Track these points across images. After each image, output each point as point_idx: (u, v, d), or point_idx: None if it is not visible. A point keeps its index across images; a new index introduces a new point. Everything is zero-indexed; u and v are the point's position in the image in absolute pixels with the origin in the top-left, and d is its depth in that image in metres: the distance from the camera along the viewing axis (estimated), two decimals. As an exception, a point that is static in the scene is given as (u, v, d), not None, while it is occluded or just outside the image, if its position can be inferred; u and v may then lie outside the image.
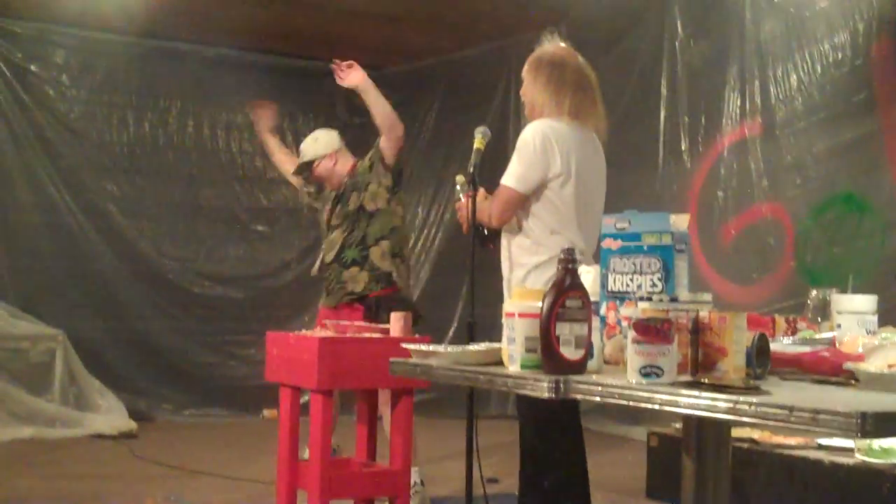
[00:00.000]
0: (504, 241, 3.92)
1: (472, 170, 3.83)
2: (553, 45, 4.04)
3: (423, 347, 2.51)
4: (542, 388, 2.00)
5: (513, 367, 2.19)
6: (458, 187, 4.05)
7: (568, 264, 2.14)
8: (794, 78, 6.75)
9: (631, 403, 1.78)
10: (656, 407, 1.73)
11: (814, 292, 2.60)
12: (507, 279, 3.91)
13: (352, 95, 9.73)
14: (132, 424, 7.77)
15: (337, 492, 3.88)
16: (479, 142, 3.93)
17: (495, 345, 2.47)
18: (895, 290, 5.16)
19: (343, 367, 3.81)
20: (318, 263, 5.67)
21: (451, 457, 5.61)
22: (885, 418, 1.43)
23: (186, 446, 7.32)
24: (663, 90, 7.79)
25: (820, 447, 4.74)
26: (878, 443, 4.14)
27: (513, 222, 3.86)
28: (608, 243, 2.55)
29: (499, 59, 9.21)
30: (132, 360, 8.75)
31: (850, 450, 4.49)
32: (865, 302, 2.40)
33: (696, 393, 1.68)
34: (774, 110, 6.89)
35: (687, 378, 1.86)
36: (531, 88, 3.92)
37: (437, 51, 9.57)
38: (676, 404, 1.68)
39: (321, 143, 5.71)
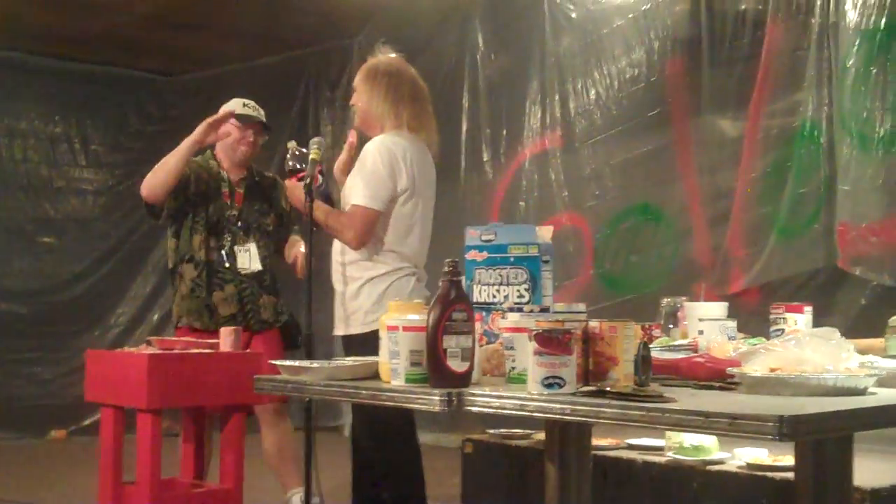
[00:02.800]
0: (337, 256, 3.87)
1: (308, 181, 3.76)
2: (386, 56, 4.02)
3: (294, 363, 2.45)
4: (433, 401, 1.99)
5: (396, 381, 2.17)
6: (290, 155, 3.98)
7: (453, 276, 2.14)
8: (592, 92, 6.99)
9: (536, 415, 1.80)
10: (565, 417, 1.75)
11: (665, 300, 2.70)
12: (340, 293, 3.87)
13: (144, 102, 9.57)
14: None
15: (168, 514, 3.75)
16: (314, 153, 3.87)
17: (369, 358, 2.44)
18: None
19: (174, 384, 3.68)
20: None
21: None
22: (801, 420, 1.50)
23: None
24: (465, 102, 7.91)
25: (630, 447, 4.91)
26: (689, 441, 4.29)
27: None
28: (473, 255, 2.57)
29: (299, 68, 9.14)
30: None
31: (661, 449, 4.66)
32: (721, 309, 2.52)
33: (606, 402, 1.71)
34: (574, 124, 7.12)
35: (584, 387, 1.90)
36: (368, 99, 3.89)
37: (236, 58, 9.39)
38: (589, 414, 1.71)
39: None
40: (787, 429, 1.48)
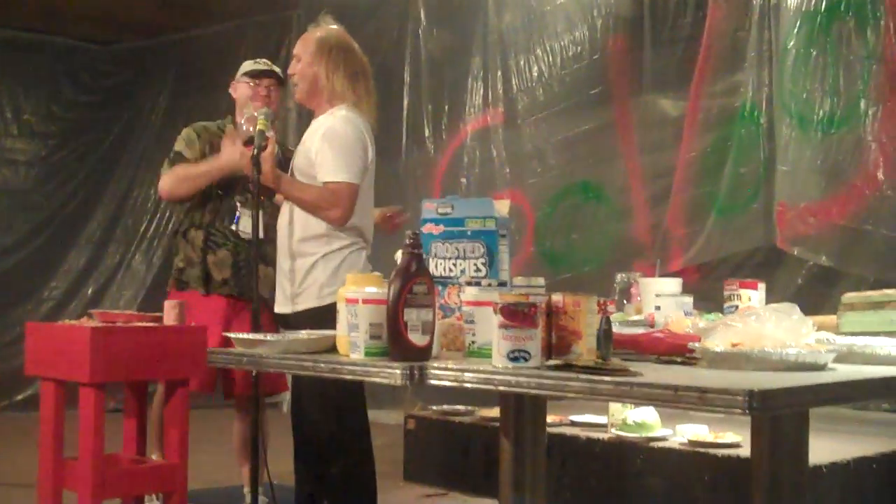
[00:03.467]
0: (285, 231, 3.82)
1: (255, 152, 3.71)
2: (336, 29, 3.97)
3: (249, 336, 2.42)
4: (394, 375, 1.98)
5: (355, 355, 2.15)
6: (246, 120, 3.91)
7: (413, 249, 2.12)
8: (535, 70, 7.00)
9: (501, 388, 1.79)
10: (531, 391, 1.75)
11: (619, 276, 2.72)
12: (287, 269, 3.81)
13: (78, 71, 9.38)
14: None
15: (111, 490, 3.67)
16: (261, 123, 3.82)
17: (325, 332, 2.42)
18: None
19: (117, 358, 3.61)
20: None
21: (205, 448, 5.42)
22: (769, 395, 1.51)
23: None
24: (406, 77, 7.87)
25: (573, 423, 4.94)
26: (632, 417, 4.32)
27: (297, 212, 3.78)
28: (429, 228, 2.55)
29: (233, 40, 9.00)
30: None
31: (604, 425, 4.70)
32: (676, 285, 2.53)
33: (574, 376, 1.71)
34: (516, 100, 7.13)
35: (550, 361, 1.90)
36: (322, 72, 3.83)
37: (168, 29, 9.24)
38: (557, 388, 1.71)
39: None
40: (757, 403, 1.49)
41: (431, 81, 7.70)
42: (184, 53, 9.35)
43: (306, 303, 3.72)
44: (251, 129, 3.91)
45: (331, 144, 3.72)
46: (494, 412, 4.94)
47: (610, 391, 1.66)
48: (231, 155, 4.13)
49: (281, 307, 3.85)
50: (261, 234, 4.04)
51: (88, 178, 9.27)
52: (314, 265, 3.71)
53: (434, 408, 5.36)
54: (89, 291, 9.05)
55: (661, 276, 2.75)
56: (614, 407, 4.27)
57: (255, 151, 3.69)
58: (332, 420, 3.73)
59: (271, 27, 8.91)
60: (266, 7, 8.74)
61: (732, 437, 3.91)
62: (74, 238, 9.14)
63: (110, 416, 3.74)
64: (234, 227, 4.44)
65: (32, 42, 8.95)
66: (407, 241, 2.13)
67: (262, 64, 4.61)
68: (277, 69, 4.65)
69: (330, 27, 3.96)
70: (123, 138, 9.37)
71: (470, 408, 5.04)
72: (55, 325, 3.83)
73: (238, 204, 4.45)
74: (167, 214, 9.22)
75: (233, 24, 8.99)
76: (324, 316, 3.24)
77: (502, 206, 2.52)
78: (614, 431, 4.41)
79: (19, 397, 8.33)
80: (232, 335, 2.41)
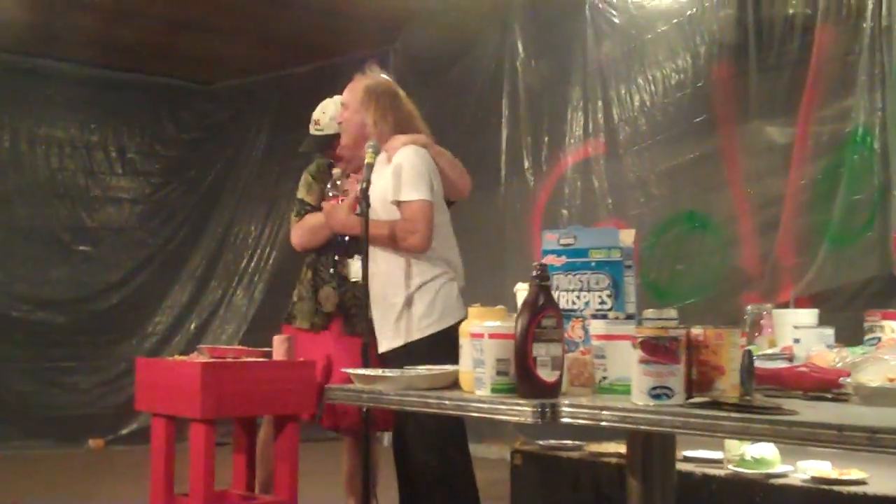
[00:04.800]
0: (382, 270, 3.73)
1: (364, 185, 3.67)
2: (382, 77, 4.09)
3: (369, 372, 2.36)
4: (525, 413, 1.90)
5: (481, 391, 2.07)
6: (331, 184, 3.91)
7: (541, 281, 2.05)
8: (637, 99, 6.90)
9: (644, 427, 1.70)
10: (677, 430, 1.65)
11: (749, 308, 2.60)
12: (384, 307, 3.73)
13: (180, 110, 9.54)
14: (-57, 462, 7.25)
15: (222, 527, 3.66)
16: (370, 157, 3.79)
17: (447, 368, 2.35)
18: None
19: (228, 393, 3.59)
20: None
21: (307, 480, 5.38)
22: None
23: (6, 483, 6.78)
24: (504, 110, 7.83)
25: (686, 459, 4.79)
26: (750, 453, 4.18)
27: (382, 253, 3.72)
28: (551, 259, 2.47)
29: (331, 77, 9.00)
30: (-56, 390, 8.18)
31: (719, 461, 4.55)
32: (813, 317, 2.41)
33: (725, 414, 1.61)
34: (618, 130, 7.02)
35: (695, 398, 1.80)
36: (370, 119, 3.84)
37: (267, 67, 9.35)
38: (706, 427, 1.60)
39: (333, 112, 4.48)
40: (932, 444, 1.38)
41: (530, 113, 7.65)
42: (282, 91, 9.44)
43: (411, 335, 3.65)
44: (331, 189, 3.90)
45: (399, 169, 3.68)
46: (604, 447, 4.83)
47: (766, 431, 1.55)
48: (337, 220, 4.01)
49: (384, 346, 3.78)
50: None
51: (190, 215, 9.43)
52: (412, 298, 3.63)
53: (541, 442, 5.24)
54: (192, 327, 9.16)
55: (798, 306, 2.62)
56: (730, 442, 4.12)
57: (364, 185, 3.66)
58: (435, 454, 3.66)
59: (368, 63, 8.92)
60: (363, 43, 8.77)
61: (858, 474, 3.75)
62: (177, 274, 9.29)
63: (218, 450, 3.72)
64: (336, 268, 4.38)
65: (135, 82, 9.15)
66: (534, 273, 2.06)
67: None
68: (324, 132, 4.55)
69: (378, 76, 3.98)
70: (224, 175, 9.51)
71: (578, 442, 4.92)
72: (165, 360, 3.84)
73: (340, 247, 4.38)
74: (267, 251, 9.33)
75: (330, 60, 9.04)
76: (429, 346, 3.18)
77: (627, 236, 2.43)
78: (731, 467, 4.29)
79: (125, 431, 8.45)
80: (351, 371, 2.35)
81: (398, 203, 3.65)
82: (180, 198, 9.42)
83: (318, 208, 4.29)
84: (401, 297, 3.66)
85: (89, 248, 9.04)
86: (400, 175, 3.69)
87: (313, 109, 4.60)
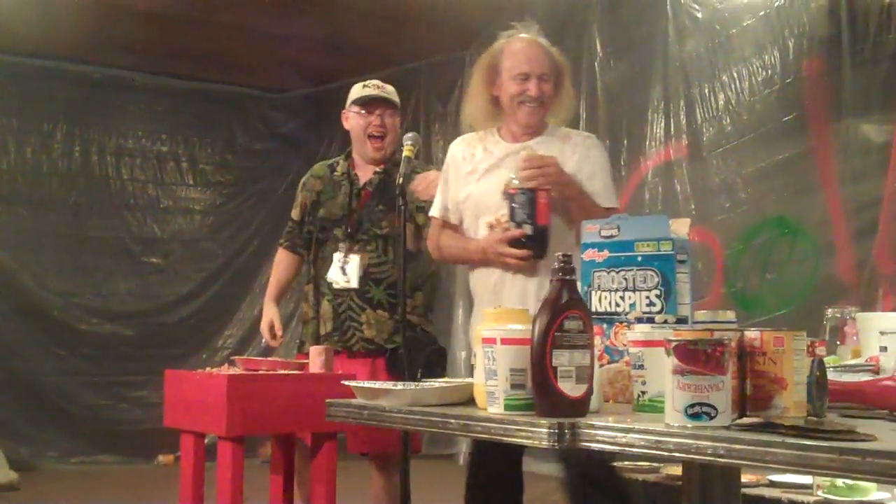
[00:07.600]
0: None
1: (400, 180, 3.36)
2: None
3: (372, 385, 2.03)
4: (539, 435, 1.54)
5: (493, 408, 1.72)
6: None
7: (564, 275, 1.69)
8: (721, 97, 6.54)
9: (677, 455, 1.33)
10: (718, 460, 1.28)
11: (829, 311, 2.20)
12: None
13: (251, 120, 9.41)
14: (13, 475, 7.15)
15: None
16: (408, 150, 3.50)
17: (463, 380, 2.01)
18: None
19: (256, 409, 3.29)
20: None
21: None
22: None
23: (75, 498, 6.73)
24: (582, 111, 7.48)
25: (773, 484, 4.42)
26: (842, 479, 3.83)
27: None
28: (591, 255, 2.11)
29: (410, 82, 8.84)
30: (13, 403, 8.09)
31: (808, 486, 4.18)
32: (907, 321, 2.01)
33: (779, 440, 1.23)
34: (701, 131, 6.67)
35: (743, 419, 1.42)
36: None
37: (338, 75, 9.16)
38: (754, 456, 1.23)
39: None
40: None
41: (609, 114, 7.32)
42: (356, 98, 9.24)
43: None
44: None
45: (603, 170, 3.43)
46: (673, 469, 4.45)
47: (831, 463, 1.17)
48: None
49: None
50: (354, 283, 3.90)
51: (262, 226, 9.27)
52: None
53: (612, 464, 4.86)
54: (263, 341, 8.93)
55: (887, 309, 2.22)
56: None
57: (401, 179, 3.35)
58: (489, 472, 3.32)
59: (444, 68, 8.72)
60: (438, 48, 8.57)
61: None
62: (248, 286, 9.16)
63: (263, 467, 3.44)
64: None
65: (206, 91, 9.08)
66: (556, 265, 1.70)
67: (371, 87, 4.13)
68: (388, 92, 4.18)
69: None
70: (296, 185, 9.28)
71: (654, 464, 4.55)
72: (192, 373, 3.56)
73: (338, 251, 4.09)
74: (339, 262, 9.09)
75: (404, 67, 8.83)
76: None
77: (680, 226, 2.06)
78: (821, 494, 3.93)
79: (193, 448, 8.28)
80: (352, 383, 2.02)
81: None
82: (251, 209, 9.29)
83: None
84: None
85: (159, 259, 8.98)
86: (605, 176, 3.44)
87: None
